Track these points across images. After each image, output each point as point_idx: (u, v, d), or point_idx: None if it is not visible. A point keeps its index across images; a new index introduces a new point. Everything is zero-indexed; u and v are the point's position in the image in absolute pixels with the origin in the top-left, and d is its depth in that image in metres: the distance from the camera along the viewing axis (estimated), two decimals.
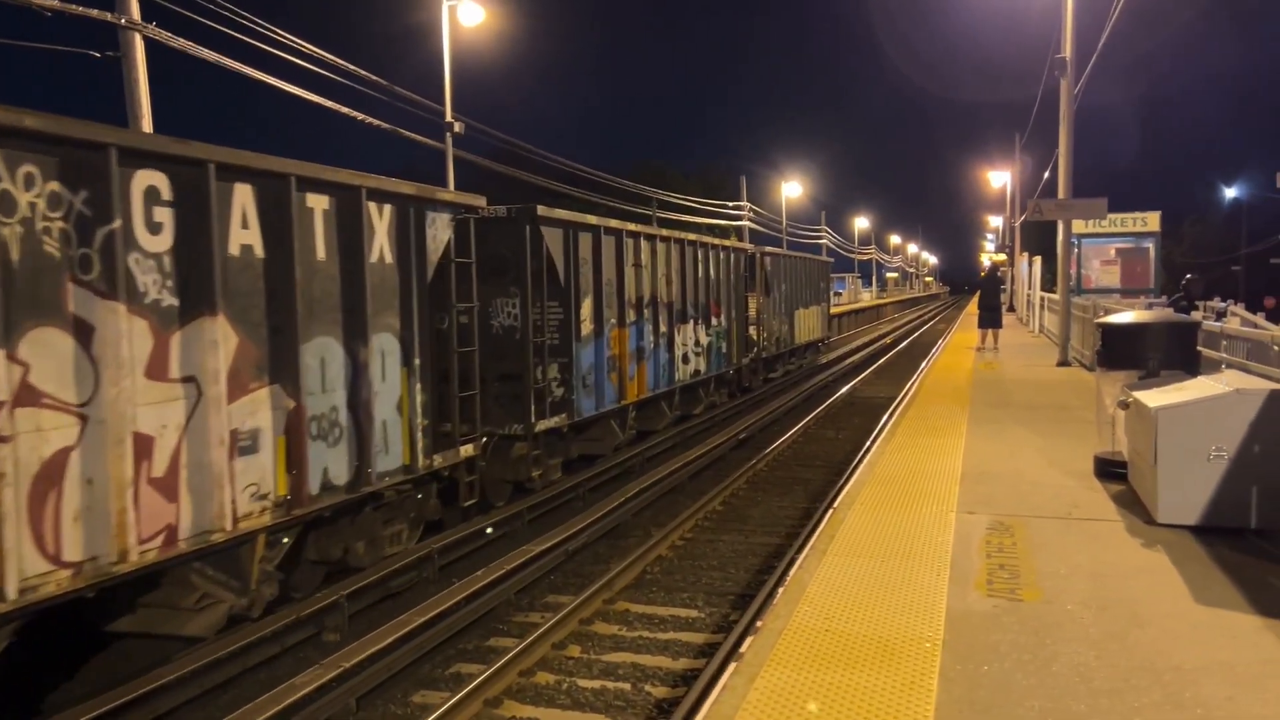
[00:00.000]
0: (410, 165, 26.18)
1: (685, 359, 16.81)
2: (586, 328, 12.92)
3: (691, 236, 17.76)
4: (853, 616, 4.94)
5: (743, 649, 4.49)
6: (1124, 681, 4.12)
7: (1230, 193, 70.52)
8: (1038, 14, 23.98)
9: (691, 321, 17.13)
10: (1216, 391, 6.63)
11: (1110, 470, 8.25)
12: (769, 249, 24.67)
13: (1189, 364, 7.98)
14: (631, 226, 14.58)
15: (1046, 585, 5.43)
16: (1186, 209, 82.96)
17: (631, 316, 14.34)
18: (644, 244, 15.00)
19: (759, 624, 4.82)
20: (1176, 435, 6.56)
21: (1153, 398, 7.01)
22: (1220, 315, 14.26)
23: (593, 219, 13.35)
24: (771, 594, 5.80)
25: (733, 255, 20.12)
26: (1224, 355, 8.29)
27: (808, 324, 28.23)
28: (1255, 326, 9.49)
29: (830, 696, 4.02)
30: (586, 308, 12.93)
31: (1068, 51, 19.30)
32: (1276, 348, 6.86)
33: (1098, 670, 4.24)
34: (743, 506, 12.25)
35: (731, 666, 4.30)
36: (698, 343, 17.46)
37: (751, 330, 21.73)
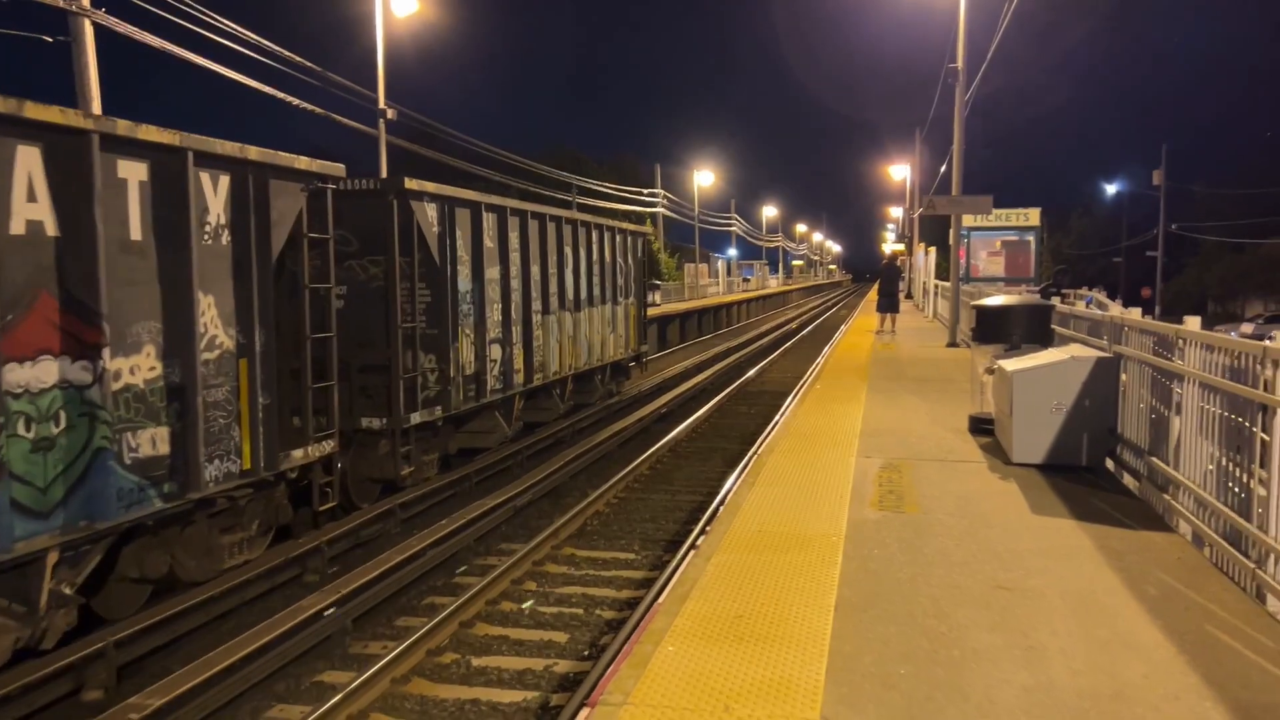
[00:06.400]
0: (343, 150, 26.71)
1: None
2: None
3: None
4: (778, 522, 6.50)
5: (698, 543, 5.99)
6: (972, 557, 5.76)
7: (1111, 189, 74.82)
8: (935, 21, 25.97)
9: None
10: (1059, 358, 8.37)
11: (981, 426, 10.00)
12: (438, 187, 11.69)
13: (1044, 339, 9.76)
14: None
15: (923, 503, 7.07)
16: (1075, 202, 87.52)
17: None
18: None
19: (708, 529, 6.33)
20: (1028, 393, 8.27)
21: (1012, 364, 8.72)
22: (1088, 302, 16.34)
23: None
24: (715, 510, 7.25)
25: (224, 182, 7.99)
26: (1071, 332, 10.10)
27: (584, 339, 16.53)
28: (1105, 309, 11.37)
29: (767, 567, 5.56)
30: None
31: (960, 62, 21.25)
32: (1107, 325, 8.66)
33: (954, 551, 5.87)
34: None
35: (691, 553, 5.79)
36: None
37: (378, 368, 10.87)
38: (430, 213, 11.47)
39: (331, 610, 8.02)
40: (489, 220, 12.95)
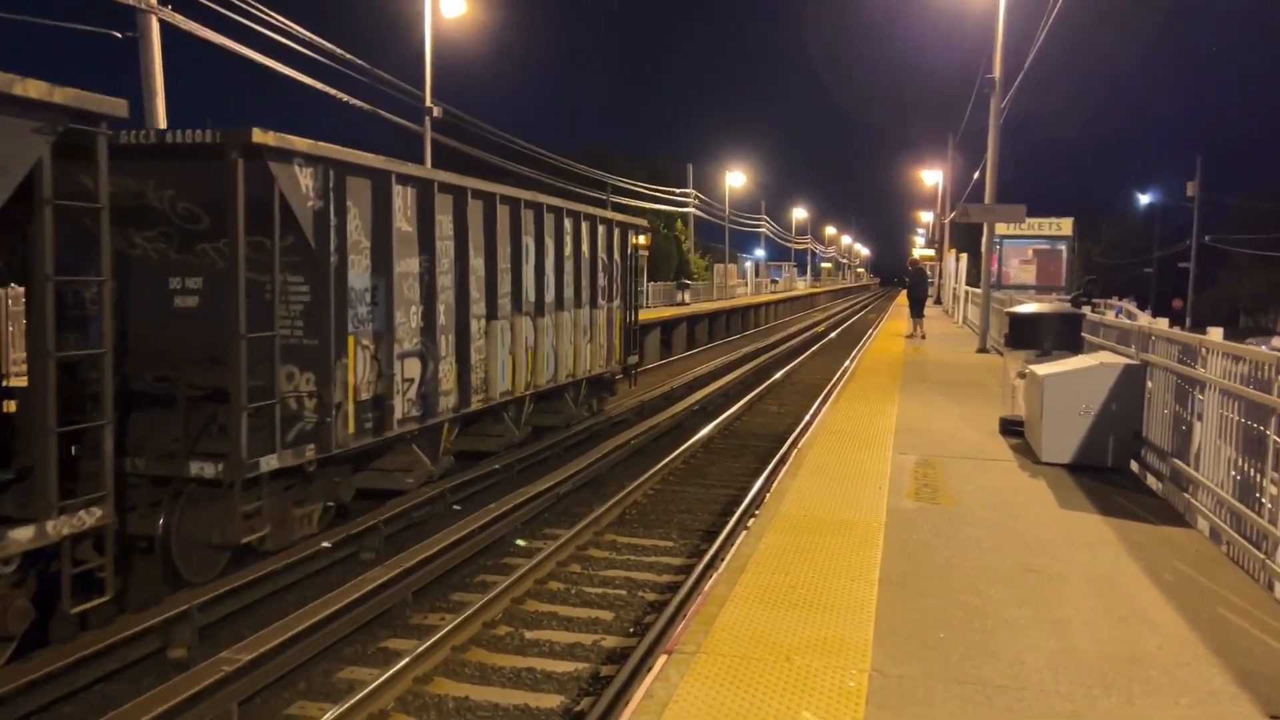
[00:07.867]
0: (386, 144, 27.15)
1: None
2: None
3: None
4: (822, 509, 7.01)
5: (748, 524, 6.49)
6: (1002, 543, 6.25)
7: (1144, 198, 74.54)
8: (971, 30, 26.29)
9: None
10: (1088, 364, 8.82)
11: (1011, 428, 10.43)
12: (313, 145, 8.37)
13: (1074, 345, 10.19)
14: None
15: (957, 496, 7.56)
16: (1106, 211, 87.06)
17: None
18: None
19: (756, 512, 6.84)
20: (1058, 397, 8.72)
21: (1044, 369, 9.17)
22: (1118, 312, 16.73)
23: None
24: (761, 496, 7.75)
25: None
26: (1101, 340, 10.53)
27: (549, 350, 13.49)
28: (1134, 319, 11.78)
29: (814, 546, 6.08)
30: None
31: (997, 72, 21.60)
32: (1136, 334, 9.09)
33: (986, 539, 6.36)
34: None
35: (742, 534, 6.30)
36: None
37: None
38: (304, 181, 8.41)
39: None
40: (404, 196, 9.86)
